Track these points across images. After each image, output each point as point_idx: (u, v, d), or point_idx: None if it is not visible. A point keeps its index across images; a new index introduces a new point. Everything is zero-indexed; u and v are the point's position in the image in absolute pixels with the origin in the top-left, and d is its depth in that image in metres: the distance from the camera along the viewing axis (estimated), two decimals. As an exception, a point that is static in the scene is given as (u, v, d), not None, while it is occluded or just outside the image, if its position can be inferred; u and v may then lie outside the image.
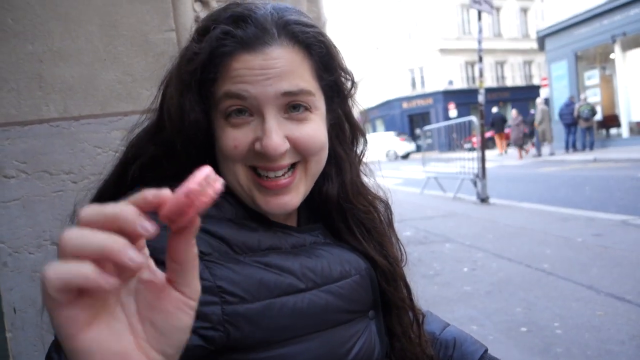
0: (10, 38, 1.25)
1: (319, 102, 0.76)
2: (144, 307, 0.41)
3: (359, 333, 0.76)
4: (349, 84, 0.83)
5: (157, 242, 0.41)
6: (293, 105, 0.72)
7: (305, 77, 0.73)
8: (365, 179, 0.89)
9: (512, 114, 18.70)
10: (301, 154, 0.73)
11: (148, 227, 0.37)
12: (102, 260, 0.36)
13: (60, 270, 0.35)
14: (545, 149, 17.25)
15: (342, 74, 0.80)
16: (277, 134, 0.69)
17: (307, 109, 0.73)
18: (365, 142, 0.90)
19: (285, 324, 0.66)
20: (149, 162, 0.74)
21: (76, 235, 0.36)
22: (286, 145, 0.70)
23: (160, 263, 0.44)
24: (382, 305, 0.83)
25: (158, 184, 0.69)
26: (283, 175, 0.73)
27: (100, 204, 0.67)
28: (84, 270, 0.35)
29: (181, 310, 0.42)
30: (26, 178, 1.27)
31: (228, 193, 0.73)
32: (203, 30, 0.73)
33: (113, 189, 0.75)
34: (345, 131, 0.86)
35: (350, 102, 0.85)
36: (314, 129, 0.74)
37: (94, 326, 0.38)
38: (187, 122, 0.72)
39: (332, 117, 0.82)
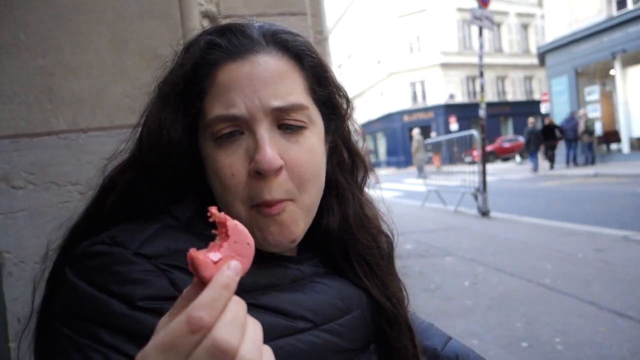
0: (22, 52, 1.27)
1: (315, 117, 0.71)
2: None
3: None
4: (344, 103, 0.78)
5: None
6: (287, 125, 0.67)
7: (297, 90, 0.68)
8: (367, 211, 0.83)
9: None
10: (295, 181, 0.66)
11: None
12: None
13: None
14: (547, 164, 17.35)
15: (336, 90, 0.76)
16: (271, 147, 0.63)
17: (303, 125, 0.68)
18: (366, 169, 0.84)
19: None
20: (127, 191, 0.68)
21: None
22: (281, 161, 0.64)
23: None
24: (384, 350, 0.78)
25: (139, 216, 0.67)
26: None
27: (74, 239, 0.67)
28: None
29: None
30: (34, 189, 1.29)
31: None
32: (188, 44, 0.70)
33: (88, 223, 0.69)
34: (345, 158, 0.81)
35: (347, 125, 0.80)
36: (310, 151, 0.68)
37: None
38: (166, 139, 0.66)
39: (332, 139, 0.77)
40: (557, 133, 16.88)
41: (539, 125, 18.26)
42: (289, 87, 0.67)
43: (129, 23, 1.33)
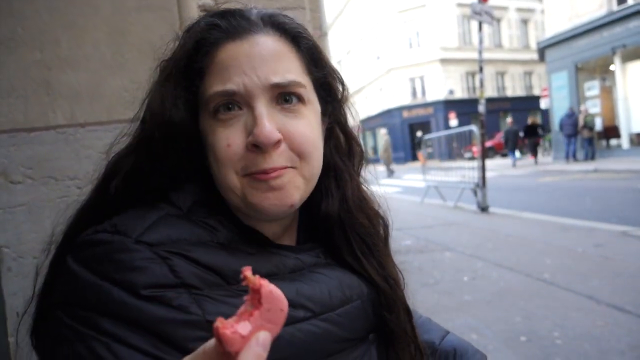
0: (19, 46, 1.27)
1: (312, 96, 0.72)
2: None
3: (358, 359, 0.72)
4: (340, 87, 0.80)
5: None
6: (285, 97, 0.68)
7: (293, 68, 0.69)
8: (364, 193, 0.85)
9: None
10: (295, 151, 0.68)
11: None
12: None
13: None
14: (547, 159, 17.50)
15: (331, 72, 0.78)
16: (269, 121, 0.65)
17: (300, 100, 0.69)
18: (362, 153, 0.86)
19: (280, 357, 0.61)
20: (132, 173, 0.69)
21: None
22: (279, 134, 0.66)
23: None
24: (383, 338, 0.79)
25: (143, 198, 0.69)
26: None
27: (78, 226, 0.68)
28: None
29: None
30: (32, 184, 1.29)
31: (222, 213, 0.70)
32: (189, 26, 0.72)
33: (94, 208, 0.70)
34: (342, 141, 0.83)
35: (344, 109, 0.82)
36: (308, 125, 0.70)
37: None
38: (168, 117, 0.67)
39: (328, 122, 0.79)
40: (540, 131, 19.00)
41: (518, 126, 20.78)
42: (286, 66, 0.68)
43: (126, 16, 1.32)
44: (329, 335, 0.68)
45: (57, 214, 1.31)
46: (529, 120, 20.10)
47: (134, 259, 0.59)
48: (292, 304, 0.64)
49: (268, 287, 0.41)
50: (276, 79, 0.66)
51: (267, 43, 0.68)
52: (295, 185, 0.69)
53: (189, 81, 0.69)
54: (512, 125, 20.28)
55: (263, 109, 0.65)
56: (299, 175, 0.69)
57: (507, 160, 21.98)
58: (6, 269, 1.28)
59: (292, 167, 0.68)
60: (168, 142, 0.68)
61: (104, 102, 1.32)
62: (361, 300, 0.75)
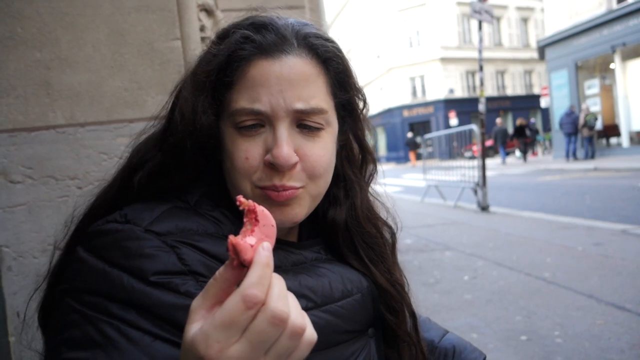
0: (19, 46, 1.27)
1: (332, 119, 0.75)
2: None
3: (358, 352, 0.74)
4: (361, 104, 0.82)
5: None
6: (305, 121, 0.70)
7: (319, 94, 0.71)
8: (372, 204, 0.88)
9: None
10: (306, 172, 0.71)
11: None
12: None
13: None
14: (547, 157, 17.52)
15: (356, 93, 0.80)
16: (288, 145, 0.68)
17: (320, 127, 0.72)
18: (375, 165, 0.89)
19: None
20: (157, 169, 0.72)
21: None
22: (296, 158, 0.69)
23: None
24: (384, 336, 0.81)
25: (162, 194, 0.72)
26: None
27: (100, 210, 0.71)
28: None
29: None
30: (32, 183, 1.29)
31: (226, 206, 0.73)
32: (223, 34, 0.73)
33: (115, 195, 0.74)
34: (355, 153, 0.85)
35: (361, 123, 0.84)
36: (324, 148, 0.72)
37: None
38: (199, 124, 0.70)
39: (343, 138, 0.81)
40: (528, 132, 20.75)
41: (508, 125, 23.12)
42: (312, 91, 0.70)
43: (126, 16, 1.32)
44: (330, 326, 0.70)
45: (57, 214, 1.31)
46: (517, 122, 21.90)
47: (143, 246, 0.61)
48: (295, 294, 0.67)
49: (260, 207, 0.50)
50: (300, 105, 0.69)
51: (297, 66, 0.70)
52: (301, 205, 0.72)
53: (217, 91, 0.72)
54: (501, 125, 22.33)
55: (284, 131, 0.68)
56: (307, 195, 0.72)
57: (508, 159, 22.17)
58: (6, 268, 1.28)
59: (301, 188, 0.71)
60: (197, 147, 0.71)
61: (103, 102, 1.32)
62: (361, 293, 0.77)
